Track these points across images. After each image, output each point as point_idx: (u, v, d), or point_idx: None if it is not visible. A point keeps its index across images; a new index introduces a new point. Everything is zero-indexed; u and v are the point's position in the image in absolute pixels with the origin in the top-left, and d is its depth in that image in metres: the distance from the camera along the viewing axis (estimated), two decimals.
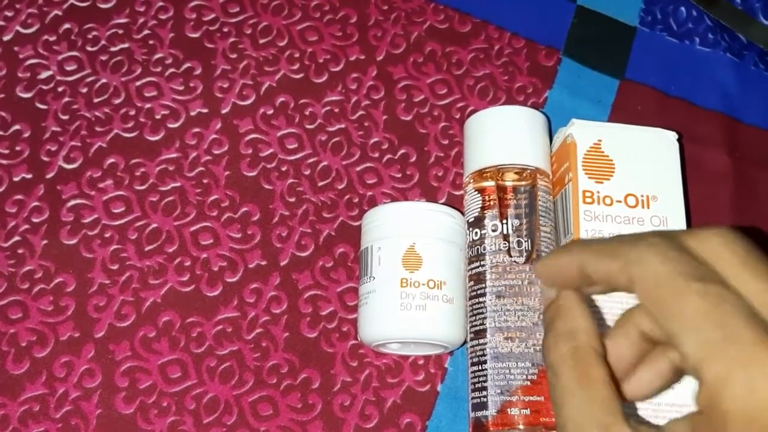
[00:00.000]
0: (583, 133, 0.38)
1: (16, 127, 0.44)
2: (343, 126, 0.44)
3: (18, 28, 0.46)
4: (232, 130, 0.44)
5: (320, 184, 0.43)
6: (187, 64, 0.45)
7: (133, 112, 0.44)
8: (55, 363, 0.39)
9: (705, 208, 0.42)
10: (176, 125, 0.44)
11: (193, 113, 0.44)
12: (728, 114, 0.46)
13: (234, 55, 0.46)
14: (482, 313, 0.36)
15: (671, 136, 0.38)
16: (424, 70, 0.46)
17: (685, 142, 0.41)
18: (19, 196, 0.42)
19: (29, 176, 0.43)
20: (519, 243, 0.36)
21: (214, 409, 0.38)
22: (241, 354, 0.39)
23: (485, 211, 0.37)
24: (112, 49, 0.45)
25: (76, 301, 0.40)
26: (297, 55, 0.46)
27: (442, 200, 0.43)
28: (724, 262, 0.23)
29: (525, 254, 0.36)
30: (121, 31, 0.46)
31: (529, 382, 0.35)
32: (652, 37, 0.47)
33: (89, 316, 0.40)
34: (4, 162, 0.43)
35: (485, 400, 0.35)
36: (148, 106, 0.44)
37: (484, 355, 0.36)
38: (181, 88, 0.45)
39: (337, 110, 0.45)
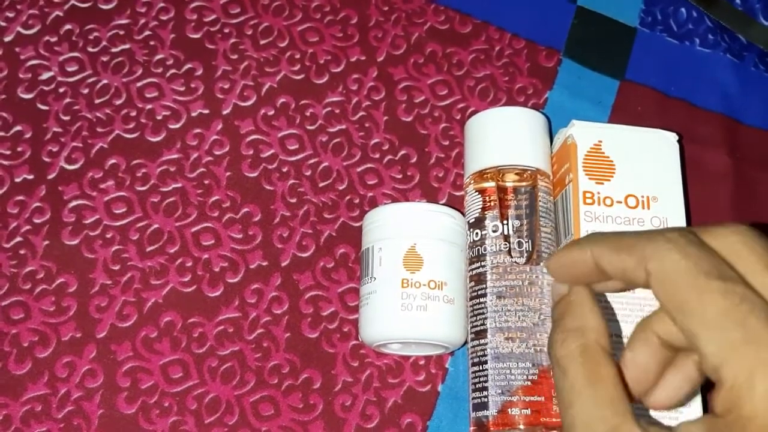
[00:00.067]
0: (584, 134, 0.38)
1: (18, 127, 0.44)
2: (343, 127, 0.44)
3: (19, 29, 0.46)
4: (233, 131, 0.44)
5: (321, 184, 0.43)
6: (188, 65, 0.45)
7: (134, 113, 0.44)
8: (57, 363, 0.39)
9: (705, 209, 0.42)
10: (177, 126, 0.44)
11: (194, 114, 0.44)
12: (728, 115, 0.46)
13: (235, 56, 0.46)
14: (483, 313, 0.36)
15: (671, 137, 0.38)
16: (425, 71, 0.46)
17: (686, 143, 0.41)
18: (20, 197, 0.42)
19: (31, 177, 0.43)
20: (519, 244, 0.37)
21: (216, 409, 0.38)
22: (242, 354, 0.39)
23: (486, 212, 0.37)
24: (113, 49, 0.45)
25: (78, 302, 0.40)
26: (298, 56, 0.46)
27: (443, 201, 0.43)
28: (742, 260, 0.23)
29: (525, 255, 0.36)
30: (122, 32, 0.46)
31: (529, 383, 0.35)
32: (653, 37, 0.47)
33: (91, 317, 0.40)
34: (6, 163, 0.43)
35: (486, 400, 0.35)
36: (149, 107, 0.44)
37: (485, 355, 0.36)
38: (182, 88, 0.45)
39: (337, 111, 0.45)
